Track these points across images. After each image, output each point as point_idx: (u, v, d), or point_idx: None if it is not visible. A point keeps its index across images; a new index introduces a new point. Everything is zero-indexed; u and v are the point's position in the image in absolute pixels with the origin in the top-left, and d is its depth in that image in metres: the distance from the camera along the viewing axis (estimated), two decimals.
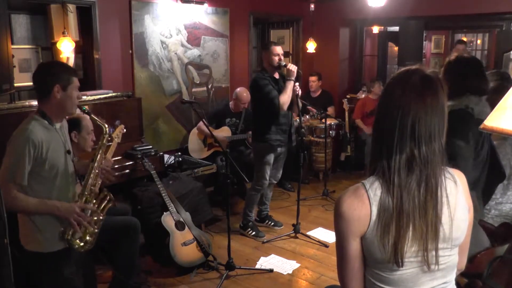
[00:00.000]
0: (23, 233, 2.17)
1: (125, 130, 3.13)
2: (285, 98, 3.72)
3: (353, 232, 1.24)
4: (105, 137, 2.35)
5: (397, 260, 1.20)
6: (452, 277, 1.34)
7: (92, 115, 2.34)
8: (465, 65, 2.17)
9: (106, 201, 2.31)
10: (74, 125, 2.80)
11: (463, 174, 1.33)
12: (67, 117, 2.39)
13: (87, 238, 2.20)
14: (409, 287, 1.27)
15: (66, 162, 2.19)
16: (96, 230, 2.24)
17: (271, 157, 3.95)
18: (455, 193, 1.26)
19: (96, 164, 2.29)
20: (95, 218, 2.24)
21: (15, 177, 2.02)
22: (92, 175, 2.27)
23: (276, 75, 3.91)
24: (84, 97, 3.63)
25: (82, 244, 2.19)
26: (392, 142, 1.20)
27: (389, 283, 1.27)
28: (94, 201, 2.27)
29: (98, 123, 2.35)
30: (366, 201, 1.22)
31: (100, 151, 2.33)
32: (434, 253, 1.22)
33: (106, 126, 2.36)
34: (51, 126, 2.14)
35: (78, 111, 2.42)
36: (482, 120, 2.01)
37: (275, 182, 4.29)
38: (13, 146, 2.05)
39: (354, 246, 1.26)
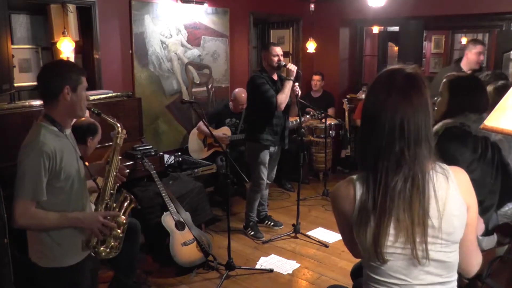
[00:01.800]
0: (36, 249, 2.01)
1: (126, 135, 3.14)
2: (283, 98, 3.71)
3: (341, 219, 1.35)
4: (119, 136, 2.19)
5: (377, 254, 1.24)
6: (451, 276, 1.32)
7: (103, 115, 2.19)
8: (463, 84, 2.15)
9: (127, 203, 2.18)
10: (92, 131, 2.84)
11: (465, 172, 1.32)
12: (85, 121, 2.28)
13: (113, 243, 2.09)
14: (402, 279, 1.28)
15: (79, 169, 2.06)
16: (121, 235, 2.11)
17: (265, 157, 3.94)
18: (446, 188, 1.25)
19: (113, 167, 2.14)
20: (119, 222, 2.11)
21: (35, 194, 1.87)
22: (110, 178, 2.12)
23: (275, 77, 3.91)
24: None
25: (108, 250, 2.07)
26: (381, 143, 1.22)
27: (381, 274, 1.30)
28: (115, 204, 2.14)
29: (110, 122, 2.21)
30: (351, 198, 1.28)
31: (115, 152, 2.17)
32: (424, 246, 1.23)
33: (119, 125, 2.22)
34: (61, 133, 1.98)
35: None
36: (480, 137, 2.01)
37: (270, 182, 4.28)
38: (27, 161, 1.87)
39: (346, 228, 1.35)
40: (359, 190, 1.26)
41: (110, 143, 2.77)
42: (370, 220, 1.23)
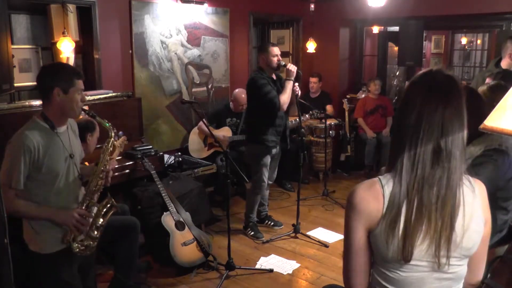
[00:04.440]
0: (25, 233, 2.18)
1: (127, 142, 3.29)
2: (285, 98, 3.71)
3: (362, 225, 1.26)
4: (111, 140, 2.30)
5: (405, 255, 1.20)
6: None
7: (98, 118, 2.28)
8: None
9: (108, 206, 2.27)
10: (90, 128, 2.91)
11: (484, 185, 1.32)
12: (82, 119, 2.37)
13: (88, 242, 2.20)
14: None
15: (67, 166, 2.16)
16: (97, 235, 2.23)
17: (267, 159, 3.93)
18: (472, 203, 1.25)
19: (99, 169, 2.25)
20: (97, 223, 2.22)
21: (11, 182, 2.02)
22: (95, 179, 2.24)
23: (273, 76, 3.90)
24: None
25: (83, 248, 2.18)
26: (418, 136, 1.21)
27: (394, 283, 1.27)
28: (98, 205, 2.25)
29: (104, 126, 2.31)
30: (380, 197, 1.24)
31: (105, 155, 2.29)
32: (446, 253, 1.22)
33: (113, 129, 2.31)
34: (51, 131, 2.11)
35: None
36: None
37: (271, 182, 4.28)
38: (10, 151, 2.04)
39: (362, 238, 1.27)
40: (387, 188, 1.24)
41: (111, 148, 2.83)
42: (401, 214, 1.20)
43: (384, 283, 1.29)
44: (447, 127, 1.21)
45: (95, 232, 2.22)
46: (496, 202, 1.92)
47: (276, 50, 3.80)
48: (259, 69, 3.91)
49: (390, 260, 1.25)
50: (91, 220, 2.21)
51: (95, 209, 2.25)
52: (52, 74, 2.11)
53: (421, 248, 1.21)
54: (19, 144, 2.02)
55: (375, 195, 1.24)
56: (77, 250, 2.16)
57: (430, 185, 1.20)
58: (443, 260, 1.22)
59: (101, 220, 2.25)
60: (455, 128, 1.22)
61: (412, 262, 1.22)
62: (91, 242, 2.21)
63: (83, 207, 2.20)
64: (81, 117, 2.78)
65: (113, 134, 2.30)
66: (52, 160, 2.08)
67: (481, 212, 1.27)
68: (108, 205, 2.28)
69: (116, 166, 3.52)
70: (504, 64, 3.80)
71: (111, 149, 2.30)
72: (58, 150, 2.12)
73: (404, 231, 1.20)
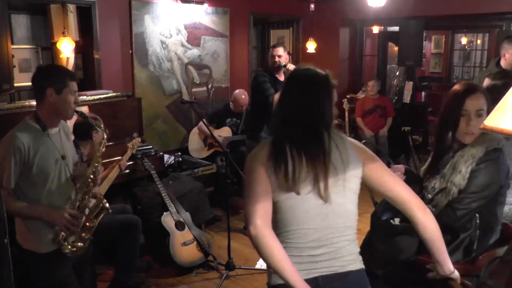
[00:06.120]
0: (19, 232, 2.17)
1: (141, 143, 3.35)
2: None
3: (260, 164, 1.52)
4: (104, 142, 2.31)
5: (294, 185, 1.45)
6: (350, 227, 1.54)
7: (89, 120, 2.30)
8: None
9: (99, 208, 2.24)
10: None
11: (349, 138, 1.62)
12: (89, 118, 2.38)
13: (78, 243, 2.19)
14: (300, 223, 1.48)
15: (59, 168, 2.16)
16: (87, 237, 2.21)
17: None
18: (342, 143, 1.54)
19: (90, 171, 2.24)
20: (88, 224, 2.21)
21: (2, 181, 2.03)
22: (87, 181, 2.23)
23: (281, 77, 3.92)
24: (84, 97, 3.63)
25: (74, 249, 2.17)
26: (295, 115, 1.55)
27: (285, 224, 1.51)
28: (91, 205, 2.24)
29: (96, 127, 2.34)
30: (266, 147, 1.54)
31: (96, 157, 2.28)
32: (323, 183, 1.45)
33: (105, 130, 2.34)
34: (43, 132, 2.11)
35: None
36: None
37: None
38: (0, 151, 2.06)
39: (263, 173, 1.50)
40: (270, 145, 1.53)
41: (116, 142, 2.83)
42: (282, 161, 1.47)
43: (281, 230, 1.52)
44: (320, 108, 1.59)
45: (86, 234, 2.21)
46: (496, 198, 1.93)
47: (276, 51, 3.84)
48: (265, 69, 3.98)
49: (279, 191, 1.47)
50: (82, 221, 2.20)
51: (87, 211, 2.23)
52: (46, 75, 2.12)
53: (305, 184, 1.45)
54: (9, 145, 2.03)
55: (264, 148, 1.54)
56: (68, 251, 2.15)
57: (302, 133, 1.50)
58: (323, 191, 1.45)
59: (93, 221, 2.23)
60: (325, 107, 1.60)
61: (299, 195, 1.45)
62: (82, 244, 2.20)
63: (75, 208, 2.18)
64: (69, 119, 2.80)
65: (105, 136, 2.33)
66: (42, 161, 2.09)
67: (353, 153, 1.53)
68: (100, 207, 2.24)
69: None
70: (503, 64, 3.86)
71: (103, 150, 2.30)
72: (48, 151, 2.13)
73: (290, 171, 1.45)
